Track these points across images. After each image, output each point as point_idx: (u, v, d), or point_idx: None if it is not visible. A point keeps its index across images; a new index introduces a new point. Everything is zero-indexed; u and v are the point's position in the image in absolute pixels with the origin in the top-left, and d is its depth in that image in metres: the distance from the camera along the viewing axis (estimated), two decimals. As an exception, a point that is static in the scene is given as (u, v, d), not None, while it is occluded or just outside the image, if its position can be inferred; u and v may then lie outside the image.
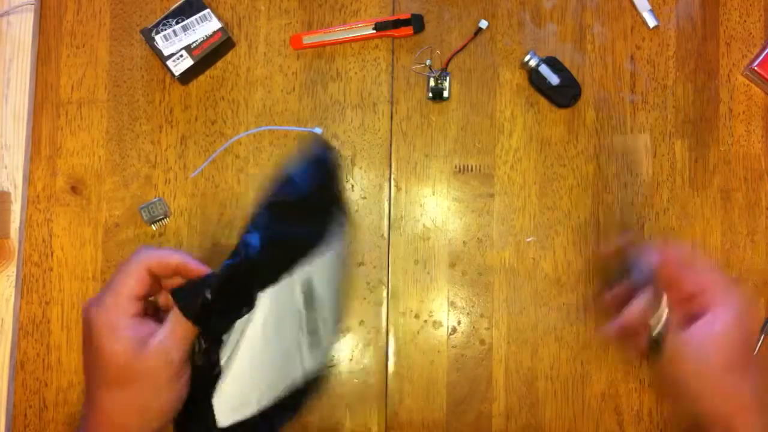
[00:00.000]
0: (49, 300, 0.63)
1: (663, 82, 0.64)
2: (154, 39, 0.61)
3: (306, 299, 0.51)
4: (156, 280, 0.46)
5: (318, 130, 0.63)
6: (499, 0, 0.64)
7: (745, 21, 0.64)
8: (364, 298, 0.62)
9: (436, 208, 0.63)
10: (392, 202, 0.63)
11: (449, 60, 0.63)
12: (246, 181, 0.63)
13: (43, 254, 0.63)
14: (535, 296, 0.62)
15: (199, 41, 0.61)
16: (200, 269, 0.46)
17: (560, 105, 0.63)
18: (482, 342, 0.62)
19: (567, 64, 0.63)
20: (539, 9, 0.64)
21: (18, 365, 0.62)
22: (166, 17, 0.61)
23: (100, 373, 0.44)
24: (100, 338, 0.43)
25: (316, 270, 0.51)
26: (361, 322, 0.62)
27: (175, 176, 0.63)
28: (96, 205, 0.63)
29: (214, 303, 0.45)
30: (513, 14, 0.64)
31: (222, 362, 0.48)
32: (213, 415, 0.49)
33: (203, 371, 0.49)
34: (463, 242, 0.63)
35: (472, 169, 0.63)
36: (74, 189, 0.63)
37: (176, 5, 0.61)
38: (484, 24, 0.64)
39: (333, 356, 0.62)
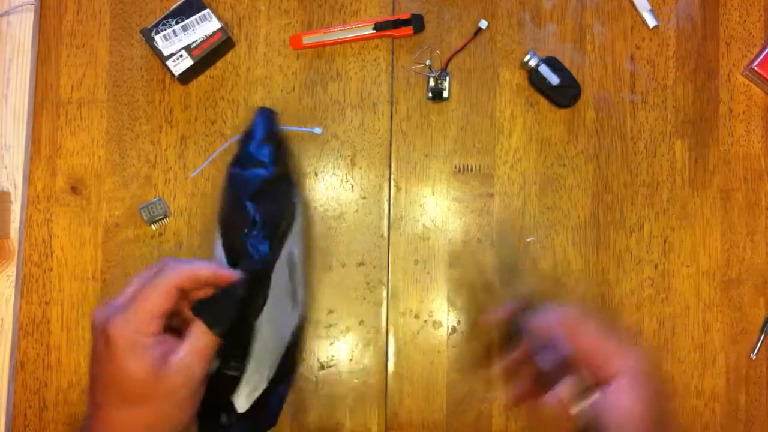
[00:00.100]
0: (49, 300, 0.63)
1: (663, 82, 0.64)
2: (154, 39, 0.61)
3: (290, 269, 0.54)
4: (184, 295, 0.45)
5: (318, 131, 0.63)
6: (499, 0, 0.64)
7: (745, 21, 0.64)
8: (364, 298, 0.62)
9: (436, 208, 0.63)
10: (392, 202, 0.63)
11: (449, 60, 0.63)
12: (246, 181, 0.63)
13: (43, 254, 0.63)
14: (534, 296, 0.62)
15: (199, 41, 0.61)
16: (232, 275, 0.45)
17: (560, 105, 0.63)
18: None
19: (567, 64, 0.63)
20: (539, 9, 0.64)
21: (18, 365, 0.62)
22: (166, 17, 0.61)
23: (114, 389, 0.42)
24: (119, 355, 0.41)
25: (294, 241, 0.55)
26: (361, 322, 0.62)
27: (175, 176, 0.63)
28: (96, 205, 0.63)
29: (242, 312, 0.45)
30: (513, 14, 0.64)
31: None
32: (234, 409, 0.50)
33: (228, 380, 0.49)
34: (463, 242, 0.63)
35: (471, 169, 0.63)
36: (74, 189, 0.63)
37: (176, 5, 0.61)
38: (484, 24, 0.64)
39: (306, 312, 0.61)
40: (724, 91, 0.64)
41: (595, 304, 0.61)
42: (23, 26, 0.64)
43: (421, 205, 0.63)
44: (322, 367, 0.62)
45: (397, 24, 0.63)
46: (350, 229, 0.63)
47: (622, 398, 0.44)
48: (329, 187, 0.63)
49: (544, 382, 0.46)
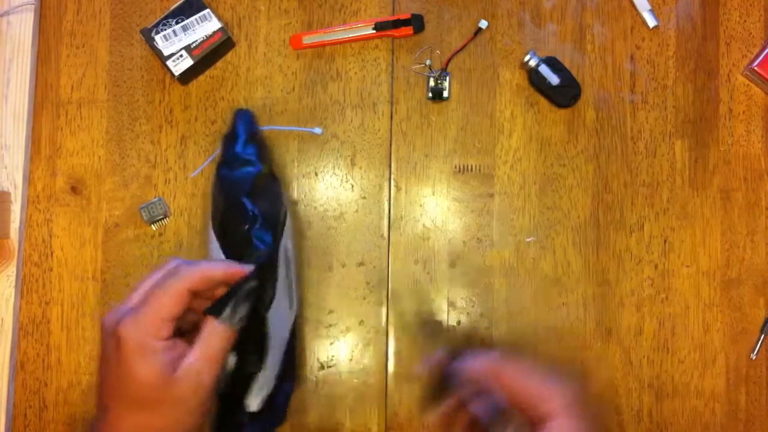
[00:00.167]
0: (49, 300, 0.63)
1: (663, 82, 0.64)
2: (154, 39, 0.61)
3: (286, 264, 0.54)
4: (195, 297, 0.44)
5: (318, 131, 0.63)
6: (499, 0, 0.64)
7: (745, 21, 0.64)
8: (364, 298, 0.62)
9: (436, 208, 0.63)
10: (392, 202, 0.63)
11: (449, 60, 0.63)
12: (246, 181, 0.63)
13: (43, 254, 0.63)
14: (535, 296, 0.62)
15: (199, 41, 0.61)
16: (244, 270, 0.45)
17: (560, 105, 0.63)
18: (482, 342, 0.62)
19: (567, 64, 0.63)
20: (539, 9, 0.64)
21: (18, 365, 0.62)
22: (166, 17, 0.61)
23: (124, 393, 0.42)
24: (129, 358, 0.41)
25: (286, 236, 0.55)
26: (361, 322, 0.62)
27: (175, 176, 0.63)
28: (96, 205, 0.63)
29: (255, 304, 0.45)
30: (513, 14, 0.64)
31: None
32: (245, 409, 0.50)
33: (246, 378, 0.50)
34: (463, 242, 0.63)
35: (471, 169, 0.63)
36: (74, 189, 0.63)
37: (176, 5, 0.61)
38: (484, 24, 0.64)
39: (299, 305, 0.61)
40: (724, 91, 0.64)
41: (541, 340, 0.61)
42: (23, 26, 0.64)
43: (421, 205, 0.63)
44: (322, 367, 0.62)
45: (397, 24, 0.63)
46: (350, 229, 0.63)
47: None
48: (329, 187, 0.63)
49: (480, 430, 0.46)
